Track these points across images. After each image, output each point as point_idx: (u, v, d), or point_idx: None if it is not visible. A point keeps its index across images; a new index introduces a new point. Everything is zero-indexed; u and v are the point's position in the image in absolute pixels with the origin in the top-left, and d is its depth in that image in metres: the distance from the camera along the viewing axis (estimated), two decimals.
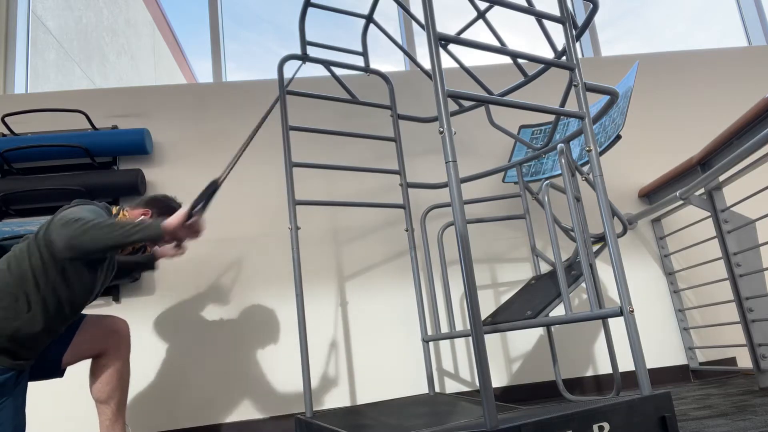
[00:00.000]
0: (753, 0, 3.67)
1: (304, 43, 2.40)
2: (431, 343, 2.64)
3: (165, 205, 1.90)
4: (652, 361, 2.65)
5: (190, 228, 1.67)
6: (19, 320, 1.53)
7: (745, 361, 2.69)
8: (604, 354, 2.70)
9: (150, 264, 2.04)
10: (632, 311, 1.42)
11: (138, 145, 2.69)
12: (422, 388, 2.54)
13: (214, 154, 2.83)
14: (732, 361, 2.73)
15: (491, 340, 2.70)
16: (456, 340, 2.70)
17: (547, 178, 2.43)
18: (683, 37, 4.73)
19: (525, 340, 2.72)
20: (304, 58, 2.41)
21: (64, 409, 2.42)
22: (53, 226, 1.57)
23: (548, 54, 2.06)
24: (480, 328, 1.22)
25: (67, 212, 1.61)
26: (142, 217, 1.86)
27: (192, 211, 1.65)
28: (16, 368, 1.56)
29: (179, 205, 1.91)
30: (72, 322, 1.73)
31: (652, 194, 2.86)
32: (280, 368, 2.58)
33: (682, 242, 2.79)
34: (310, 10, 2.37)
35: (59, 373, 1.76)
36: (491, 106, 2.69)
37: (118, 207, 1.87)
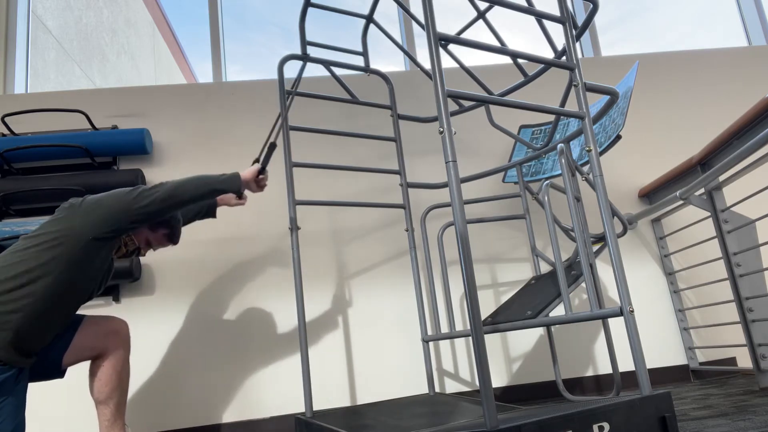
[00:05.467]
0: (753, 0, 3.68)
1: (305, 43, 2.40)
2: (431, 343, 2.64)
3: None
4: (652, 361, 2.65)
5: (258, 183, 1.98)
6: (17, 316, 1.54)
7: (745, 361, 2.70)
8: (604, 354, 2.70)
9: (211, 211, 2.17)
10: (632, 311, 1.42)
11: (138, 145, 2.69)
12: (422, 388, 2.54)
13: (214, 154, 2.83)
14: (732, 361, 2.73)
15: (491, 340, 2.70)
16: (456, 340, 2.70)
17: (547, 178, 2.43)
18: (685, 39, 4.73)
19: (525, 340, 2.72)
20: (305, 58, 2.41)
21: (64, 409, 2.42)
22: (108, 201, 1.67)
23: (548, 54, 2.06)
24: (480, 328, 1.22)
25: (116, 191, 1.71)
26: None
27: (263, 167, 1.97)
28: (16, 366, 1.56)
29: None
30: (72, 323, 1.73)
31: (652, 194, 2.86)
32: (280, 368, 2.58)
33: (682, 242, 2.79)
34: (311, 10, 2.37)
35: (60, 373, 1.76)
36: (491, 106, 2.69)
37: None
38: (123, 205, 1.67)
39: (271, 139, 2.06)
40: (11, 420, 1.54)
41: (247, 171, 1.94)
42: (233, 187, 1.85)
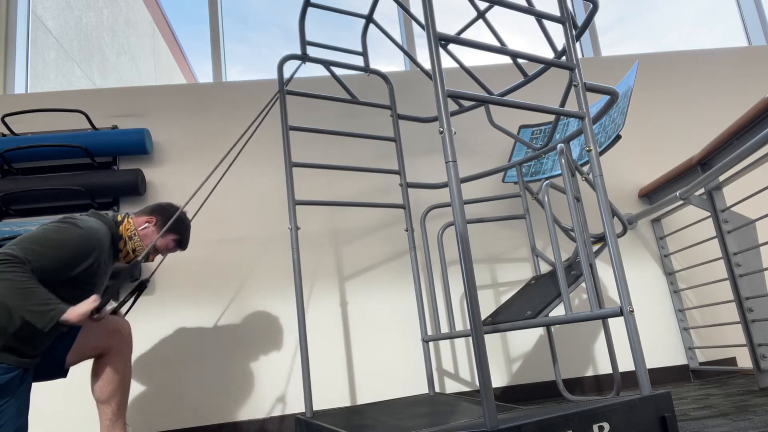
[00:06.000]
0: (753, 0, 3.68)
1: (304, 42, 2.41)
2: (431, 343, 2.64)
3: (169, 215, 1.91)
4: (652, 361, 2.65)
5: (97, 320, 1.60)
6: (22, 318, 1.53)
7: (745, 361, 2.70)
8: (604, 354, 2.70)
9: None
10: (632, 311, 1.42)
11: (138, 145, 2.69)
12: (422, 388, 2.54)
13: (214, 154, 2.83)
14: (732, 361, 2.73)
15: (491, 340, 2.70)
16: (456, 340, 2.70)
17: (547, 178, 2.43)
18: (686, 39, 4.73)
19: (525, 340, 2.72)
20: (304, 57, 2.41)
21: (65, 409, 2.42)
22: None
23: (548, 54, 2.06)
24: (480, 328, 1.22)
25: (22, 237, 1.61)
26: (146, 224, 1.87)
27: (99, 308, 1.56)
28: (21, 366, 1.56)
29: (183, 214, 1.92)
30: None
31: (652, 194, 2.86)
32: (280, 368, 2.58)
33: (682, 242, 2.79)
34: (311, 10, 2.37)
35: (63, 373, 1.76)
36: (491, 106, 2.69)
37: (123, 215, 1.87)
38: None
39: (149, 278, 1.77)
40: (13, 422, 1.54)
41: (78, 307, 1.53)
42: (39, 323, 1.49)
